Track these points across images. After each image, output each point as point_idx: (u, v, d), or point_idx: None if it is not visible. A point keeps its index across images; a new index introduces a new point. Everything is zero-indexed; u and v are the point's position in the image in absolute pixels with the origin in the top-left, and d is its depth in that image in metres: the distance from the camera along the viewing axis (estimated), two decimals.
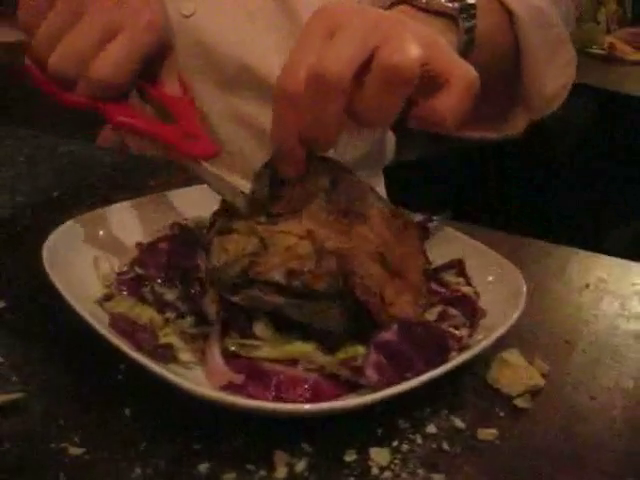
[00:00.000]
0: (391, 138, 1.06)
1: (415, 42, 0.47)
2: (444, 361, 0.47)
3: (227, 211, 0.55)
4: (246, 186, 0.54)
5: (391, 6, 0.63)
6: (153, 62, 0.58)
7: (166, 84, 0.58)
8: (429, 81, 0.49)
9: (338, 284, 0.47)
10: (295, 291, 0.48)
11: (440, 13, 0.61)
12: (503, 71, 0.74)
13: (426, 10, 0.60)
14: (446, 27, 0.61)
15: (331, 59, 0.47)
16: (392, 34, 0.48)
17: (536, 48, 0.73)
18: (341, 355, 0.48)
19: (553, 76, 0.77)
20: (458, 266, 0.59)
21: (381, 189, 1.06)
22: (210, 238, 0.52)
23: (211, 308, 0.50)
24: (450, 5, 0.61)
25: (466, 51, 0.62)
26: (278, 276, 0.48)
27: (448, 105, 0.49)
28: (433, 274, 0.58)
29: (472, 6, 0.62)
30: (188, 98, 0.59)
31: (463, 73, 0.50)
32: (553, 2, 0.76)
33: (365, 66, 0.47)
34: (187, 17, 0.85)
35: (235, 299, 0.49)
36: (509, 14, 0.70)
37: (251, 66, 0.88)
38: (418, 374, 0.45)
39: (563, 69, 0.78)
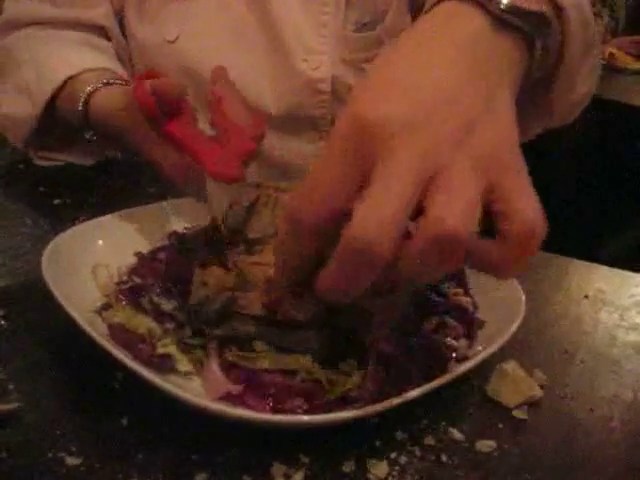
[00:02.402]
0: None
1: (471, 192, 0.38)
2: (442, 372, 0.47)
3: (211, 238, 0.55)
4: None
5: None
6: None
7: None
8: (490, 214, 0.40)
9: (321, 314, 0.47)
10: (276, 322, 0.48)
11: (512, 26, 0.46)
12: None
13: (497, 17, 0.45)
14: (515, 45, 0.47)
15: (370, 219, 0.37)
16: (444, 181, 0.38)
17: (576, 50, 0.61)
18: (332, 392, 0.46)
19: (581, 81, 0.71)
20: (458, 276, 0.59)
21: None
22: (192, 270, 0.52)
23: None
24: (525, 20, 0.46)
25: (531, 72, 0.49)
26: (260, 310, 0.48)
27: (504, 256, 0.41)
28: (432, 284, 0.58)
29: (548, 23, 0.48)
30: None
31: (527, 220, 0.40)
32: None
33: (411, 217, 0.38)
34: (171, 42, 0.85)
35: (217, 332, 0.49)
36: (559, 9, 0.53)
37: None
38: (416, 386, 0.45)
39: (589, 75, 0.73)
